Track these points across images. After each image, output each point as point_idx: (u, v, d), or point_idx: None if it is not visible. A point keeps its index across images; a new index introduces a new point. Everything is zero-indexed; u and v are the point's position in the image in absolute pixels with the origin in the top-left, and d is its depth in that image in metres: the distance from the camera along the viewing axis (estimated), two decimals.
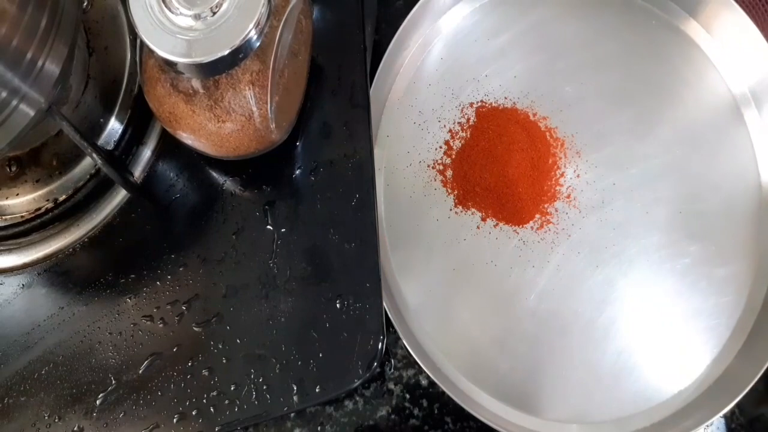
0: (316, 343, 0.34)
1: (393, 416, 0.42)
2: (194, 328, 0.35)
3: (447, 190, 0.44)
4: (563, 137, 0.44)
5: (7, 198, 0.39)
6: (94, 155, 0.35)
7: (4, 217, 0.38)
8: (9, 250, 0.39)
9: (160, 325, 0.36)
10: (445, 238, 0.43)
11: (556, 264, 0.42)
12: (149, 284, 0.36)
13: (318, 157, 0.37)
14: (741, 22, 0.43)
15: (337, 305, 0.34)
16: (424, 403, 0.43)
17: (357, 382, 0.33)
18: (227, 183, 0.38)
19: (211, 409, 0.34)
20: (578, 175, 0.43)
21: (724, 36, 0.44)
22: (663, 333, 0.41)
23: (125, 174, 0.37)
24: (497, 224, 0.43)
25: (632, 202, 0.43)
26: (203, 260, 0.36)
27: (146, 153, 0.39)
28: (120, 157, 0.38)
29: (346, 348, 0.34)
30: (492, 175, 0.43)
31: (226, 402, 0.34)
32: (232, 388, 0.34)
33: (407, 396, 0.43)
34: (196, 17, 0.28)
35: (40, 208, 0.38)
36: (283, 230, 0.36)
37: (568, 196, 0.43)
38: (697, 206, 0.42)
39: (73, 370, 0.36)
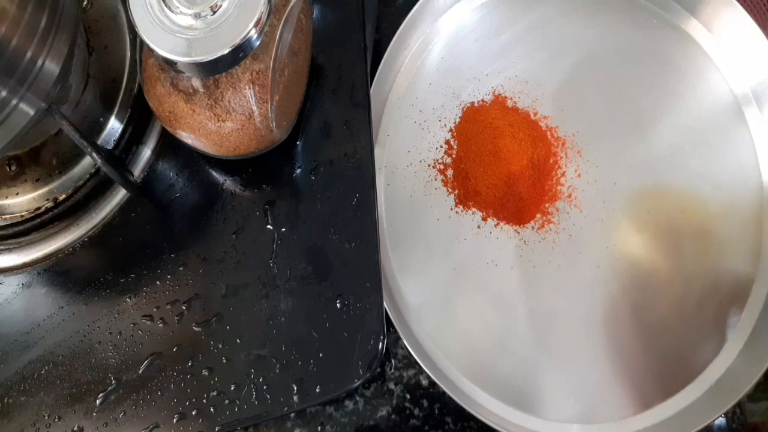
0: (316, 343, 0.34)
1: (393, 416, 0.42)
2: (194, 328, 0.35)
3: (448, 190, 0.44)
4: (564, 136, 0.44)
5: (7, 197, 0.38)
6: (94, 154, 0.35)
7: (4, 217, 0.38)
8: (9, 250, 0.39)
9: (160, 325, 0.36)
10: (446, 237, 0.43)
11: (557, 264, 0.42)
12: (149, 284, 0.36)
13: (318, 156, 0.37)
14: (742, 20, 0.42)
15: (338, 305, 0.34)
16: (425, 403, 0.43)
17: (357, 382, 0.33)
18: (227, 182, 0.38)
19: (211, 409, 0.34)
20: (579, 175, 0.43)
21: (725, 35, 0.44)
22: (663, 333, 0.41)
23: (125, 173, 0.37)
24: (498, 224, 0.43)
25: (633, 202, 0.43)
26: (203, 260, 0.36)
27: (146, 152, 0.39)
28: (120, 156, 0.38)
29: (346, 348, 0.33)
30: (493, 175, 0.43)
31: (226, 402, 0.34)
32: (232, 388, 0.34)
33: (408, 396, 0.43)
34: (196, 16, 0.28)
35: (40, 208, 0.38)
36: (283, 230, 0.36)
37: (569, 196, 0.43)
38: (697, 206, 0.42)
39: (73, 369, 0.36)
